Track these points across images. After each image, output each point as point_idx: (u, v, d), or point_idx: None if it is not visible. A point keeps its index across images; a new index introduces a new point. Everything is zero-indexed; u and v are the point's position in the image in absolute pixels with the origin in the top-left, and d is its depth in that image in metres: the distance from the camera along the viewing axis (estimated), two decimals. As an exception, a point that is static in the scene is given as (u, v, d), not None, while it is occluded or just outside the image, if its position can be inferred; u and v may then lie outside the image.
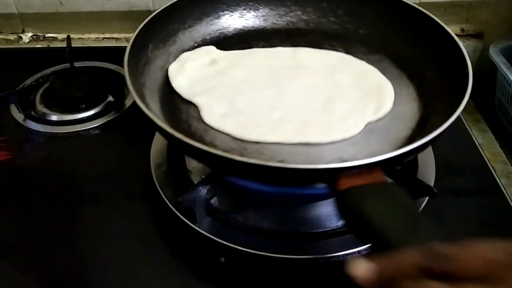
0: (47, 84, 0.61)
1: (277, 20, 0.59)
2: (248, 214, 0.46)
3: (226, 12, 0.58)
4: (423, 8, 0.53)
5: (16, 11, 0.73)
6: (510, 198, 0.50)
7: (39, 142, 0.55)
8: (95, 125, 0.57)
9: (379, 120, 0.46)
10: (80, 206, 0.48)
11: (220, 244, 0.43)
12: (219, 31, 0.57)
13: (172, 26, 0.54)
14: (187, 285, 0.41)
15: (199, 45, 0.56)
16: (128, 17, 0.71)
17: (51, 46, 0.74)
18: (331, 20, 0.58)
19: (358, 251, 0.43)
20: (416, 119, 0.47)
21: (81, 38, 0.74)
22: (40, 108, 0.59)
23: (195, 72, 0.52)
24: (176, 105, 0.48)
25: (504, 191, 0.51)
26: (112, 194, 0.49)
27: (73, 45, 0.63)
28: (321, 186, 0.40)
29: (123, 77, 0.61)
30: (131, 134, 0.58)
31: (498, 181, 0.52)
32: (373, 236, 0.33)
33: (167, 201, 0.46)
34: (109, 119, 0.58)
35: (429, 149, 0.53)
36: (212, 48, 0.55)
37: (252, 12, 0.59)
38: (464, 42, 0.71)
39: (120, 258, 0.43)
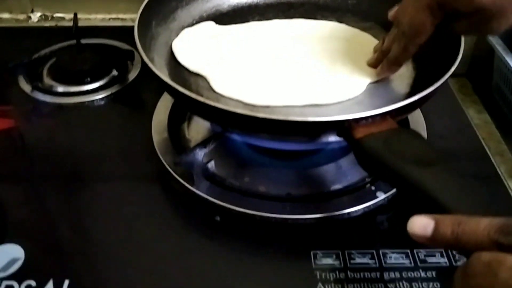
0: (54, 59, 0.63)
1: (269, -5, 0.62)
2: (244, 178, 0.47)
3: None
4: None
5: (25, -9, 0.75)
6: (503, 175, 0.51)
7: (45, 112, 0.57)
8: (99, 97, 0.59)
9: (378, 80, 0.49)
10: (84, 171, 0.50)
11: (216, 205, 0.45)
12: (214, 8, 0.60)
13: (170, 3, 0.56)
14: (185, 242, 0.43)
15: (197, 22, 0.58)
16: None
17: (58, 25, 0.76)
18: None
19: (348, 213, 0.44)
20: (413, 77, 0.50)
21: (88, 18, 0.77)
22: (47, 80, 0.61)
23: (198, 46, 0.54)
24: (185, 78, 0.50)
25: (497, 169, 0.52)
26: (115, 160, 0.51)
27: (80, 25, 0.65)
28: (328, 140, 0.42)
29: (127, 52, 0.63)
30: (133, 105, 0.60)
31: (492, 159, 0.53)
32: (394, 176, 0.35)
33: (166, 165, 0.48)
34: (113, 91, 0.60)
35: (423, 128, 0.55)
36: (212, 23, 0.57)
37: (245, -12, 0.61)
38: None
39: (123, 217, 0.45)
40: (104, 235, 0.44)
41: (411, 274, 0.40)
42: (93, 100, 0.59)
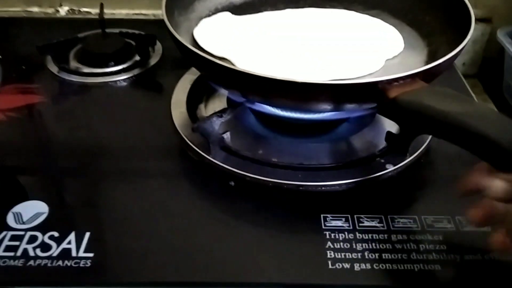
0: (80, 45, 0.67)
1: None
2: (258, 150, 0.49)
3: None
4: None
5: (54, -14, 0.79)
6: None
7: (71, 90, 0.61)
8: (122, 78, 0.62)
9: (394, 57, 0.52)
10: (105, 142, 0.52)
11: (230, 172, 0.47)
12: (228, 1, 0.63)
13: (189, -6, 0.60)
14: (201, 204, 0.45)
15: (213, 14, 0.61)
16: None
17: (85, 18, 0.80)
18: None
19: (358, 182, 0.46)
20: (426, 53, 0.53)
21: (112, 13, 0.80)
22: (74, 63, 0.64)
23: (218, 33, 0.57)
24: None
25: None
26: (135, 133, 0.53)
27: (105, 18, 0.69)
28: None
29: (149, 37, 0.66)
30: (153, 88, 0.63)
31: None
32: (435, 124, 0.37)
33: (184, 136, 0.50)
34: (135, 73, 0.63)
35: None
36: (228, 13, 0.61)
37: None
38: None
39: (142, 181, 0.47)
40: (124, 195, 0.46)
41: (418, 237, 0.41)
42: (116, 81, 0.62)
